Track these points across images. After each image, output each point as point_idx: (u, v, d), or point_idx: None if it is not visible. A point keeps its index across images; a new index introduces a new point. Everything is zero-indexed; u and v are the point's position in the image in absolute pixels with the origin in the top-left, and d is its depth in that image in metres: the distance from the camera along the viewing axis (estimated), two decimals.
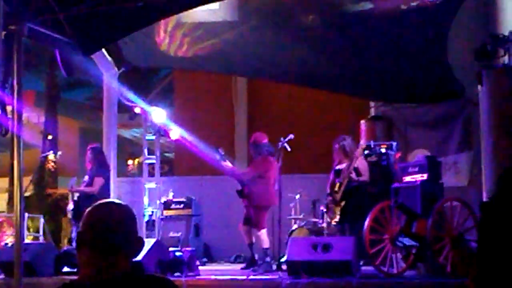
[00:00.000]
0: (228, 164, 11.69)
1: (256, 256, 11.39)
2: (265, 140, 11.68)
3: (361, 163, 10.93)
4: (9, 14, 7.23)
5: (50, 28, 8.02)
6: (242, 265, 11.97)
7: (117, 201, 2.97)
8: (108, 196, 11.73)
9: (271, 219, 11.10)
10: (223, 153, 11.68)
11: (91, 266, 2.80)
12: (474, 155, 12.34)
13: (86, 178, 12.00)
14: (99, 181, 11.82)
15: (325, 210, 11.29)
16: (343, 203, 10.73)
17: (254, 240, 11.41)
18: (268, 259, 11.14)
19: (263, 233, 11.32)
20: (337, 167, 11.10)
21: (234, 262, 14.12)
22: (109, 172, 12.22)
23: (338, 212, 10.83)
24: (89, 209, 2.89)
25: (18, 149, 7.41)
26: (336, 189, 10.83)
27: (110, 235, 2.79)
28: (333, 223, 10.94)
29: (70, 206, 12.03)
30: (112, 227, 2.81)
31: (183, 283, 8.80)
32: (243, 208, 11.60)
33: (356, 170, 10.79)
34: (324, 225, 11.31)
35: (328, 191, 11.15)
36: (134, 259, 8.46)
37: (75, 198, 11.96)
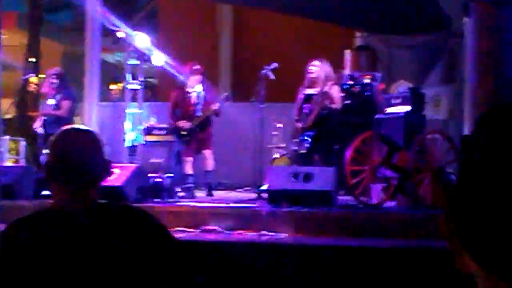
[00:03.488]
0: None
1: None
2: None
3: (334, 89, 10.85)
4: None
5: None
6: (224, 192, 12.09)
7: (81, 127, 2.93)
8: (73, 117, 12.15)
9: (253, 148, 11.11)
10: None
11: (61, 196, 2.77)
12: (456, 88, 12.33)
13: (52, 101, 12.03)
14: (67, 104, 11.93)
15: (292, 136, 11.30)
16: (312, 131, 10.75)
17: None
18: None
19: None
20: (307, 92, 11.02)
21: (215, 189, 14.15)
22: (74, 93, 12.33)
23: (307, 140, 10.86)
24: (53, 138, 2.84)
25: None
26: (307, 115, 10.82)
27: (76, 164, 2.76)
28: (301, 150, 10.98)
29: (40, 130, 12.04)
30: (77, 155, 2.77)
31: (163, 209, 8.80)
32: (214, 136, 11.76)
33: (329, 97, 10.74)
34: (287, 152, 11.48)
35: (296, 117, 11.12)
36: (115, 185, 8.37)
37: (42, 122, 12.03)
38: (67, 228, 2.72)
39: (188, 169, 11.61)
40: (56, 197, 2.80)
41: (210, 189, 11.69)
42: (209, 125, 11.70)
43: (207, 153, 11.65)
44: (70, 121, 11.98)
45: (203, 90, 11.77)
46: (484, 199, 1.36)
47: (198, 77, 11.75)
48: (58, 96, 11.99)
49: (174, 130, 11.82)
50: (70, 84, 12.39)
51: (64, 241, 2.70)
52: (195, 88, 11.70)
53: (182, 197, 10.83)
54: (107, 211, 2.81)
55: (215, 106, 11.51)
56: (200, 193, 11.67)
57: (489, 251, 1.33)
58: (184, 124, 11.64)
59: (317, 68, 10.97)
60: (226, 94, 12.08)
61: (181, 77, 12.05)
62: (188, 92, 11.74)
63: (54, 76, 12.12)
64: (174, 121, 11.82)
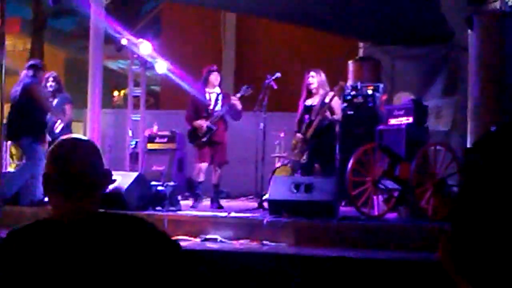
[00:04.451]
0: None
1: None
2: None
3: (334, 100, 10.87)
4: None
5: None
6: (225, 201, 11.98)
7: (78, 136, 2.91)
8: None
9: (255, 157, 11.10)
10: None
11: (60, 206, 2.75)
12: (459, 100, 12.33)
13: None
14: (70, 108, 11.91)
15: (292, 147, 11.26)
16: (313, 142, 10.77)
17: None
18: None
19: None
20: (307, 103, 11.03)
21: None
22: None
23: (307, 151, 10.86)
24: (51, 148, 2.82)
25: (0, 76, 7.31)
26: (307, 126, 10.83)
27: (75, 174, 2.73)
28: (302, 161, 10.95)
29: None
30: (76, 166, 2.75)
31: (164, 217, 8.80)
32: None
33: (330, 108, 10.78)
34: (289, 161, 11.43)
35: (296, 128, 11.11)
36: (117, 192, 8.33)
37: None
38: (66, 239, 2.70)
39: (201, 176, 11.21)
40: (55, 207, 2.78)
41: (218, 201, 11.21)
42: (225, 129, 11.27)
43: (220, 170, 11.25)
44: (71, 125, 12.01)
45: (222, 93, 11.40)
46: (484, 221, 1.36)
47: (218, 77, 11.45)
48: (56, 101, 11.92)
49: (189, 134, 11.44)
50: (64, 88, 12.35)
51: (63, 252, 2.68)
52: (215, 89, 11.38)
53: (192, 206, 10.71)
54: (107, 221, 2.79)
55: (235, 98, 11.15)
56: (203, 201, 11.53)
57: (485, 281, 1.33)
58: (201, 122, 11.12)
59: (315, 78, 11.01)
60: (246, 86, 11.44)
61: (187, 86, 11.90)
62: (208, 93, 11.34)
63: (52, 79, 12.04)
64: (191, 123, 11.31)
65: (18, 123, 10.41)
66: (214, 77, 11.35)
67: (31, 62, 11.21)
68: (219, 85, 11.41)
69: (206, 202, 11.46)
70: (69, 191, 2.73)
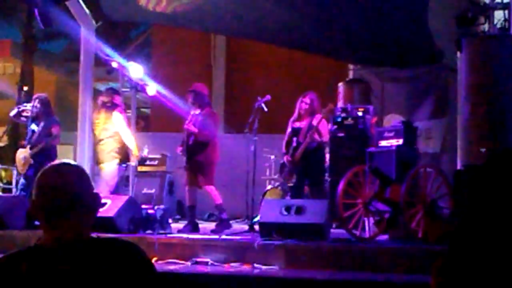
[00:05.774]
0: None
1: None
2: (206, 91, 11.47)
3: (322, 123, 10.89)
4: None
5: None
6: (216, 223, 11.93)
7: (66, 161, 2.90)
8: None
9: (245, 179, 11.08)
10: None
11: (50, 231, 2.75)
12: (448, 122, 12.37)
13: (34, 127, 11.87)
14: (57, 130, 11.81)
15: (280, 169, 11.24)
16: (301, 164, 10.76)
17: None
18: (224, 215, 11.07)
19: (213, 189, 11.07)
20: (295, 125, 11.03)
21: (207, 220, 14.11)
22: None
23: (295, 173, 10.84)
24: (39, 174, 2.82)
25: None
26: (295, 149, 10.83)
27: (63, 201, 2.73)
28: (290, 184, 10.93)
29: (29, 160, 11.86)
30: (64, 191, 2.74)
31: (155, 241, 8.77)
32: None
33: (317, 130, 10.79)
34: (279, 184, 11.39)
35: (284, 150, 11.11)
36: (107, 216, 8.31)
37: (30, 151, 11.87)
38: (58, 265, 2.69)
39: (188, 200, 11.12)
40: (45, 233, 2.78)
41: (219, 222, 11.11)
42: (200, 152, 11.02)
43: (209, 189, 11.04)
44: (56, 149, 11.92)
45: (200, 113, 11.14)
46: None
47: (190, 99, 11.22)
48: (43, 123, 11.81)
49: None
50: (53, 111, 12.25)
51: (55, 278, 2.66)
52: (196, 111, 11.17)
53: (179, 230, 10.56)
54: (98, 247, 2.78)
55: (192, 128, 10.97)
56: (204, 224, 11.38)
57: None
58: (178, 149, 11.17)
59: (307, 101, 11.02)
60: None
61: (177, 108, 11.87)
62: (191, 115, 11.20)
63: (38, 101, 11.96)
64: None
65: (105, 148, 11.25)
66: (189, 97, 11.22)
67: (110, 87, 11.50)
68: (201, 107, 11.24)
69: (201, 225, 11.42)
70: (58, 217, 2.72)
